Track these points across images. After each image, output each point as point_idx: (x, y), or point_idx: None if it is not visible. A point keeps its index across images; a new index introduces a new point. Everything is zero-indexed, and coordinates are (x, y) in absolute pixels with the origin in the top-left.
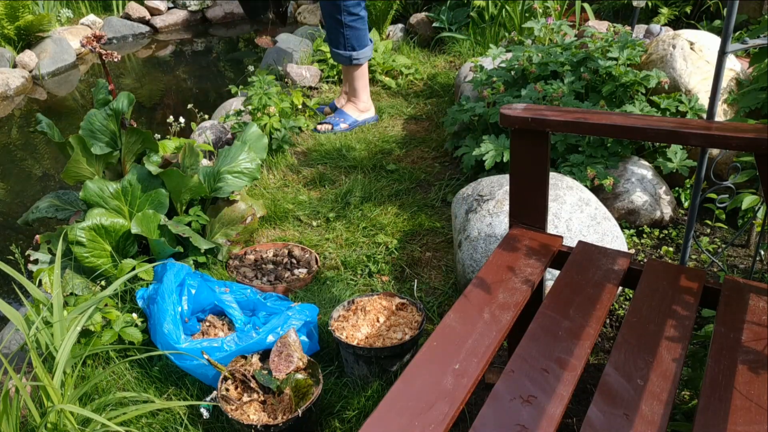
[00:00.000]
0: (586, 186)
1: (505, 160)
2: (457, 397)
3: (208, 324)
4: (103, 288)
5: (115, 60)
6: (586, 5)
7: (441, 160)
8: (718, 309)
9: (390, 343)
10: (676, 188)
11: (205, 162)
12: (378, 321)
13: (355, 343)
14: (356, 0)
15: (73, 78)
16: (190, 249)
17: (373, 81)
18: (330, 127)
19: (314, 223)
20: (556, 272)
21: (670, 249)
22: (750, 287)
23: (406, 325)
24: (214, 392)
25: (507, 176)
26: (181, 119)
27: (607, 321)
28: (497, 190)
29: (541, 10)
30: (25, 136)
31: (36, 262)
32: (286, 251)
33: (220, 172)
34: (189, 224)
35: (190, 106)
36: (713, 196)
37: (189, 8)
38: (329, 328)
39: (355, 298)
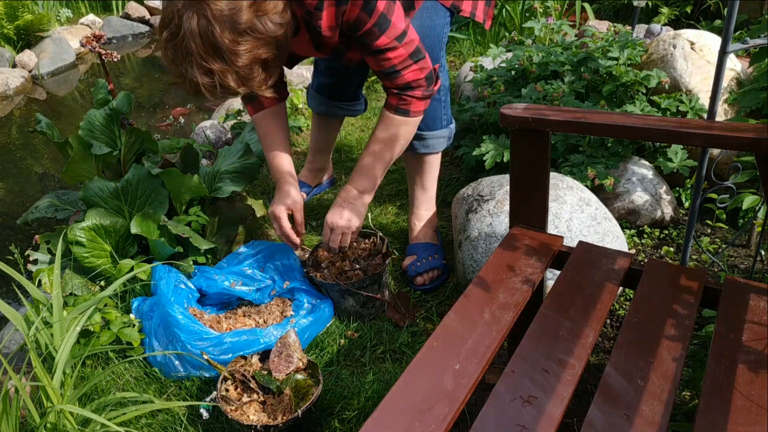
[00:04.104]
0: (586, 186)
1: (505, 160)
2: (457, 398)
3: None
4: (103, 288)
5: (115, 60)
6: (586, 5)
7: (441, 160)
8: (719, 309)
9: (371, 273)
10: (677, 188)
11: (205, 162)
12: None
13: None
14: None
15: (72, 78)
16: (190, 249)
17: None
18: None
19: (314, 223)
20: (557, 272)
21: (671, 249)
22: (750, 287)
23: (376, 254)
24: (214, 392)
25: (507, 176)
26: (181, 119)
27: (608, 321)
28: (497, 190)
29: (541, 10)
30: (24, 136)
31: (35, 262)
32: None
33: (220, 172)
34: (189, 224)
35: (189, 105)
36: (714, 196)
37: None
38: (310, 274)
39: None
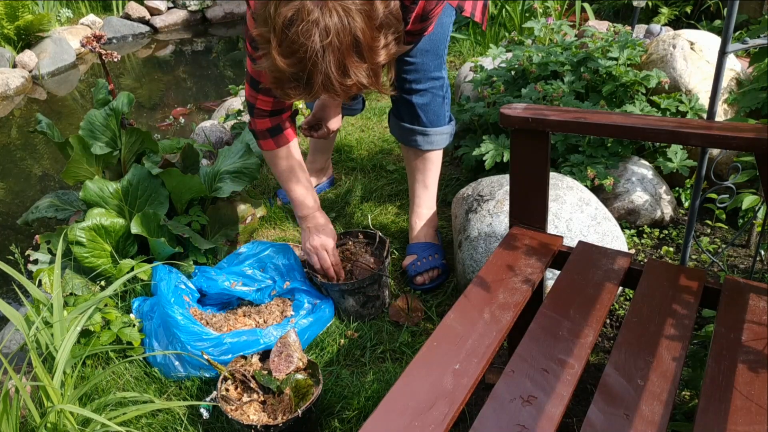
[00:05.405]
0: (586, 186)
1: (505, 160)
2: (457, 397)
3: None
4: (103, 288)
5: (115, 60)
6: (586, 5)
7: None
8: (719, 309)
9: (371, 273)
10: (677, 188)
11: (205, 162)
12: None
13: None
14: None
15: (72, 78)
16: (190, 249)
17: None
18: None
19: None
20: (557, 272)
21: (671, 249)
22: (750, 287)
23: (371, 254)
24: (214, 392)
25: (507, 176)
26: (181, 119)
27: (607, 321)
28: (497, 190)
29: (541, 10)
30: (25, 136)
31: (36, 262)
32: None
33: (220, 172)
34: (189, 224)
35: (189, 106)
36: (713, 196)
37: (189, 8)
38: (311, 274)
39: None
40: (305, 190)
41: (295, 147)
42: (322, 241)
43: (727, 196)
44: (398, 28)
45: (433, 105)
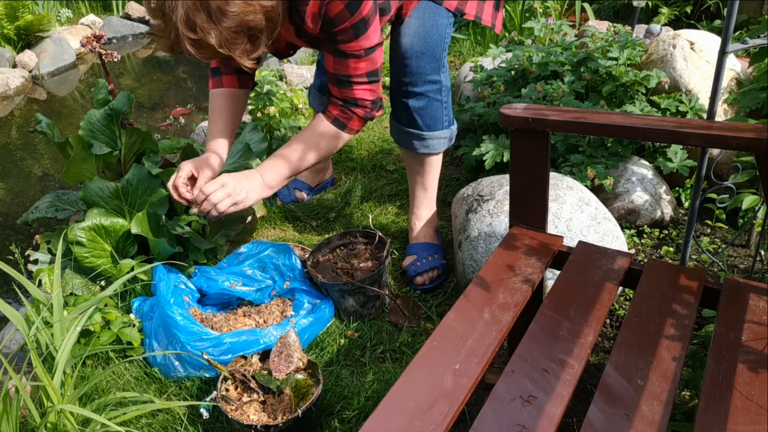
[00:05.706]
0: (586, 186)
1: (505, 160)
2: (457, 398)
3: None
4: (103, 288)
5: (115, 60)
6: (586, 5)
7: (441, 160)
8: (719, 309)
9: (371, 272)
10: (677, 188)
11: None
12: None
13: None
14: None
15: (73, 78)
16: (190, 249)
17: None
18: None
19: (314, 223)
20: (557, 272)
21: (671, 249)
22: (750, 287)
23: (371, 254)
24: (214, 392)
25: (507, 176)
26: (181, 119)
27: (607, 321)
28: (497, 190)
29: (541, 10)
30: (25, 136)
31: (36, 262)
32: None
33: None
34: (189, 224)
35: (189, 106)
36: (713, 196)
37: None
38: (311, 274)
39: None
40: (212, 133)
41: (227, 94)
42: (182, 163)
43: (727, 196)
44: (263, 3)
45: (430, 109)
